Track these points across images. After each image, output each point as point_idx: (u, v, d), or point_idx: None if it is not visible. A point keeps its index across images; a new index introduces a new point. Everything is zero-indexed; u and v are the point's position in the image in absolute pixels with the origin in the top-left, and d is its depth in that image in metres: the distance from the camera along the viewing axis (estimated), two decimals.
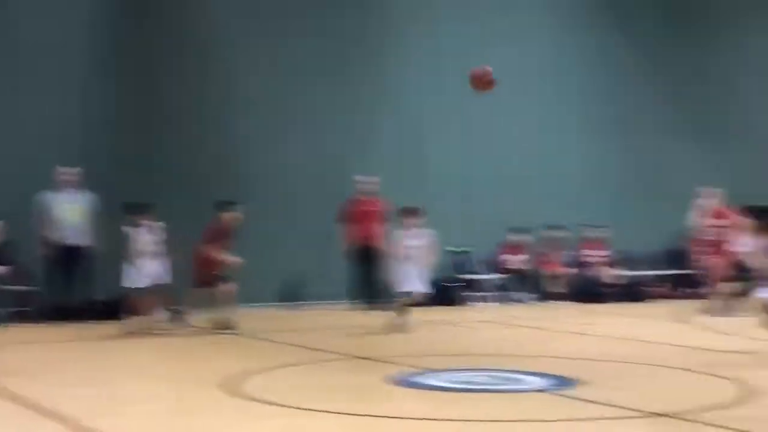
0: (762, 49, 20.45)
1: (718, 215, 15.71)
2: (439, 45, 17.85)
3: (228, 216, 13.26)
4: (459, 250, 17.79)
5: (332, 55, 17.17)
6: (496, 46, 17.97)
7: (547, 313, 16.18)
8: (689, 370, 9.65)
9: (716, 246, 15.29)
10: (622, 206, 18.75)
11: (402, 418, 7.23)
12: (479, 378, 8.94)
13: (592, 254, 18.46)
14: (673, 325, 14.47)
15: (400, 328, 12.67)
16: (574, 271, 18.23)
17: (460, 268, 17.93)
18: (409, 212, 13.15)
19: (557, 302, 17.42)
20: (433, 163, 17.67)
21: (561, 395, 8.14)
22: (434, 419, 7.17)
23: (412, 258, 12.88)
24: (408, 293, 12.90)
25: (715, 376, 9.17)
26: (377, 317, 13.60)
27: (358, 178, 16.47)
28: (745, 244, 11.22)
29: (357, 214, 16.24)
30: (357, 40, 17.46)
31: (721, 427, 6.94)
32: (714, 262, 15.15)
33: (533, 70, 18.55)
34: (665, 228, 18.66)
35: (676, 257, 19.04)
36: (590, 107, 19.20)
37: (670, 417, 7.25)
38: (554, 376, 8.95)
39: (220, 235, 13.15)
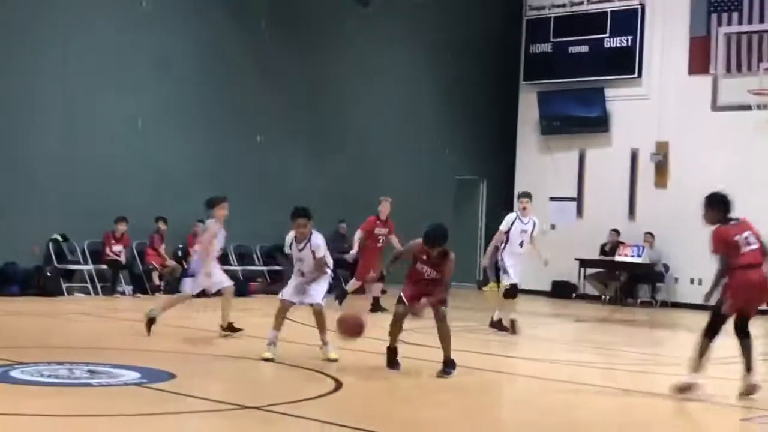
0: (367, 60, 21.70)
1: (384, 223, 16.33)
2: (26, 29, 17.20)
3: None
4: (60, 238, 17.34)
5: None
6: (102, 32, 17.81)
7: (148, 305, 16.16)
8: (284, 363, 10.13)
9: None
10: (232, 203, 19.08)
11: None
12: (70, 371, 8.86)
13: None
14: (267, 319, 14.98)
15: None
16: (176, 263, 18.27)
17: (61, 257, 17.48)
18: None
19: (160, 295, 17.45)
20: (32, 148, 16.96)
21: (152, 389, 8.28)
22: (9, 414, 7.02)
23: None
24: None
25: (309, 369, 9.73)
26: None
27: None
28: None
29: None
30: None
31: (302, 417, 7.44)
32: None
33: (147, 66, 18.44)
34: (273, 225, 19.37)
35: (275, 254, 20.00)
36: (209, 107, 19.32)
37: (257, 409, 7.65)
38: (149, 370, 9.07)
39: None
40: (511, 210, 14.87)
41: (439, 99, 23.11)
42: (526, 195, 14.25)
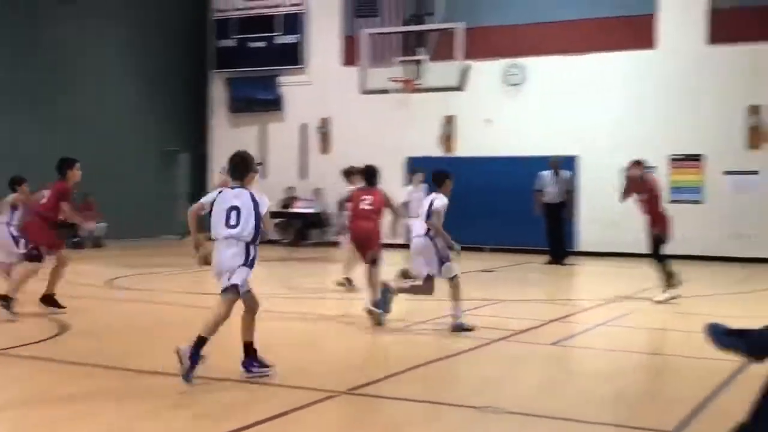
0: (80, 56, 20.10)
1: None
2: None
3: None
4: None
5: None
6: None
7: None
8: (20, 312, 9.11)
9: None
10: None
11: None
12: None
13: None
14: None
15: None
16: None
17: None
18: None
19: None
20: None
21: None
22: None
23: None
24: None
25: (40, 315, 8.82)
26: None
27: None
28: None
29: None
30: None
31: (31, 357, 6.67)
32: None
33: None
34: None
35: None
36: None
37: None
38: None
39: None
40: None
41: (145, 86, 21.85)
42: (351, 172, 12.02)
